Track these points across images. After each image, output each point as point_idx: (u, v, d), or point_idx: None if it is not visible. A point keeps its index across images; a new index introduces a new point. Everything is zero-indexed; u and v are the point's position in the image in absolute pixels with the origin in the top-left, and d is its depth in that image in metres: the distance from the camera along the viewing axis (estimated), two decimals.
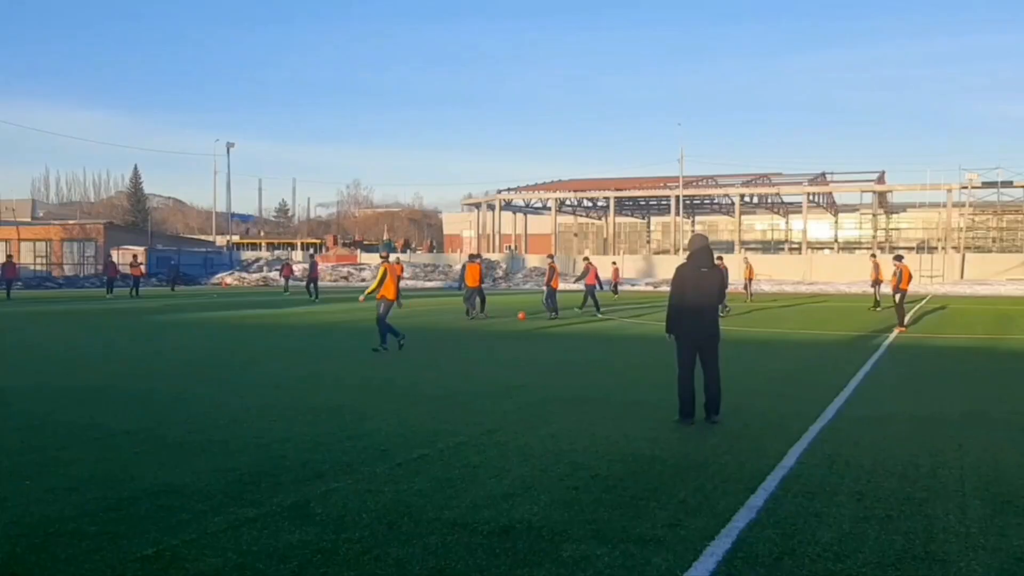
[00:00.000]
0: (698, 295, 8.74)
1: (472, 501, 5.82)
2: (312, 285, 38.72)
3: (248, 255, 73.26)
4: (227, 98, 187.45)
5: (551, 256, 30.84)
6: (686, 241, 13.40)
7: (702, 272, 8.82)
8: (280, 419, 8.87)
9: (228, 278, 61.43)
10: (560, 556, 4.74)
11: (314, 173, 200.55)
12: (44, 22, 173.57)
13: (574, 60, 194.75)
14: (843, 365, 13.94)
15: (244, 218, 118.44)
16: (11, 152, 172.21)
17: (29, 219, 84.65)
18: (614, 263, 47.34)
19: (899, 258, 22.75)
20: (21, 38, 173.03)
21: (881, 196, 70.72)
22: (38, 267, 60.95)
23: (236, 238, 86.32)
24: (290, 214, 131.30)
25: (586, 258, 29.88)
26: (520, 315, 24.33)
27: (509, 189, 74.13)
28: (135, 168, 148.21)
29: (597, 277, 27.15)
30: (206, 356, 15.26)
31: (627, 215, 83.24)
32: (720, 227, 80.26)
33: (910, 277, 22.19)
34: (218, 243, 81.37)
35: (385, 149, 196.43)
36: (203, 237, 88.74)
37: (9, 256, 43.15)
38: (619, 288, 41.63)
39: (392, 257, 16.60)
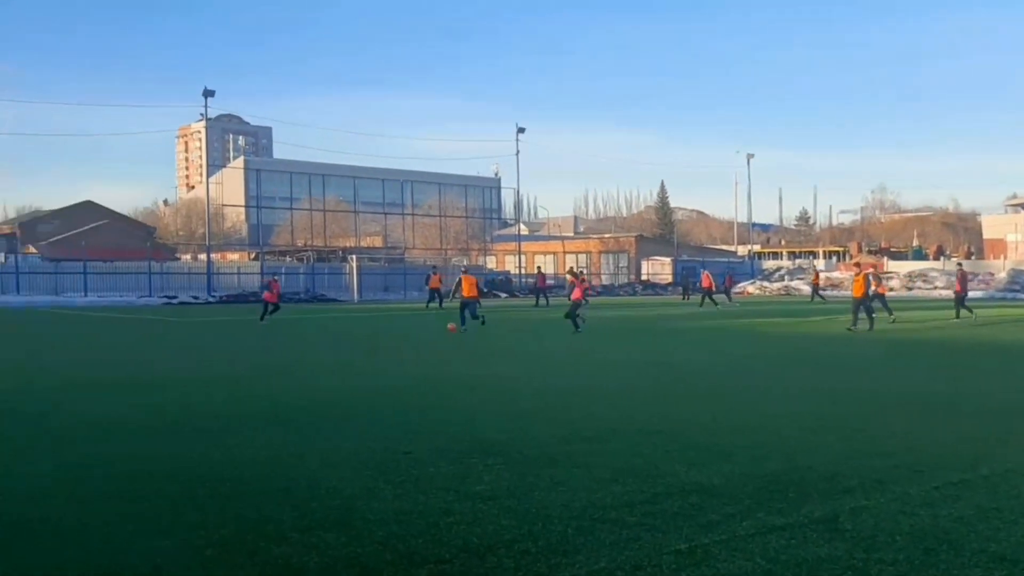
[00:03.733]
0: None
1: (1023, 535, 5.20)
2: (541, 295, 40.86)
3: (769, 264, 73.38)
4: (747, 109, 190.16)
5: (571, 270, 31.18)
6: None
7: None
8: (807, 430, 8.75)
9: (750, 287, 62.18)
10: None
11: (836, 179, 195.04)
12: (606, 55, 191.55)
13: None
14: None
15: (764, 227, 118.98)
16: (559, 175, 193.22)
17: (572, 234, 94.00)
18: (705, 272, 41.71)
19: None
20: (566, 69, 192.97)
21: None
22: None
23: (757, 247, 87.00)
24: (811, 222, 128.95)
25: (570, 270, 29.69)
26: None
27: None
28: (662, 184, 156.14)
29: (584, 293, 24.32)
30: (716, 363, 15.61)
31: None
32: None
33: None
34: (739, 252, 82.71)
35: (914, 151, 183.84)
36: (724, 247, 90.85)
37: (539, 267, 50.30)
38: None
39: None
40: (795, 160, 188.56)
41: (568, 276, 29.92)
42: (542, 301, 40.99)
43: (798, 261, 74.85)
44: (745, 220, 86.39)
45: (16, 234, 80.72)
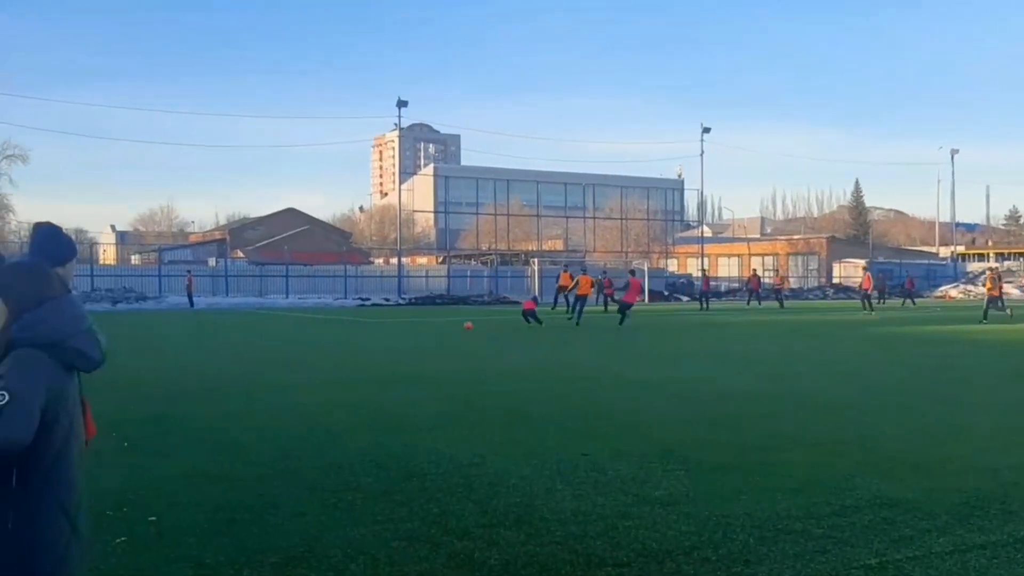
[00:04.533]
0: None
1: None
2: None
3: (974, 266, 68.92)
4: (950, 104, 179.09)
5: (632, 270, 32.94)
6: None
7: None
8: (1013, 444, 8.18)
9: (952, 291, 58.64)
10: None
11: None
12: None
13: None
14: None
15: (969, 227, 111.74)
16: (744, 175, 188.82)
17: (758, 235, 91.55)
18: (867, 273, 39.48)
19: None
20: (754, 67, 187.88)
21: None
22: (766, 280, 65.84)
23: (961, 248, 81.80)
24: (1022, 221, 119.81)
25: (631, 270, 31.83)
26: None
27: None
28: (856, 182, 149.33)
29: (640, 291, 25.77)
30: (909, 372, 14.80)
31: None
32: None
33: None
34: (941, 254, 78.08)
35: None
36: (925, 248, 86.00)
37: (754, 270, 50.71)
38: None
39: None
40: (1004, 155, 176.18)
41: (629, 276, 29.66)
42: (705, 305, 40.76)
43: (1007, 263, 69.73)
44: (948, 219, 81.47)
45: (226, 240, 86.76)
